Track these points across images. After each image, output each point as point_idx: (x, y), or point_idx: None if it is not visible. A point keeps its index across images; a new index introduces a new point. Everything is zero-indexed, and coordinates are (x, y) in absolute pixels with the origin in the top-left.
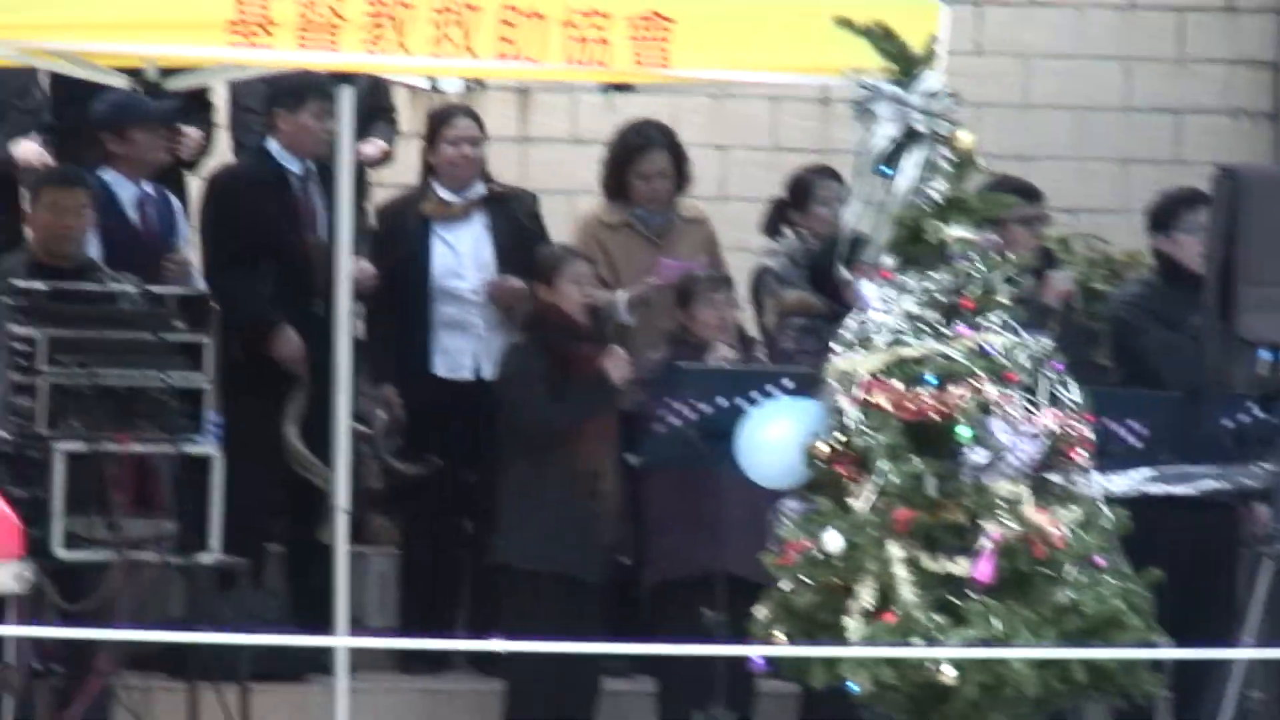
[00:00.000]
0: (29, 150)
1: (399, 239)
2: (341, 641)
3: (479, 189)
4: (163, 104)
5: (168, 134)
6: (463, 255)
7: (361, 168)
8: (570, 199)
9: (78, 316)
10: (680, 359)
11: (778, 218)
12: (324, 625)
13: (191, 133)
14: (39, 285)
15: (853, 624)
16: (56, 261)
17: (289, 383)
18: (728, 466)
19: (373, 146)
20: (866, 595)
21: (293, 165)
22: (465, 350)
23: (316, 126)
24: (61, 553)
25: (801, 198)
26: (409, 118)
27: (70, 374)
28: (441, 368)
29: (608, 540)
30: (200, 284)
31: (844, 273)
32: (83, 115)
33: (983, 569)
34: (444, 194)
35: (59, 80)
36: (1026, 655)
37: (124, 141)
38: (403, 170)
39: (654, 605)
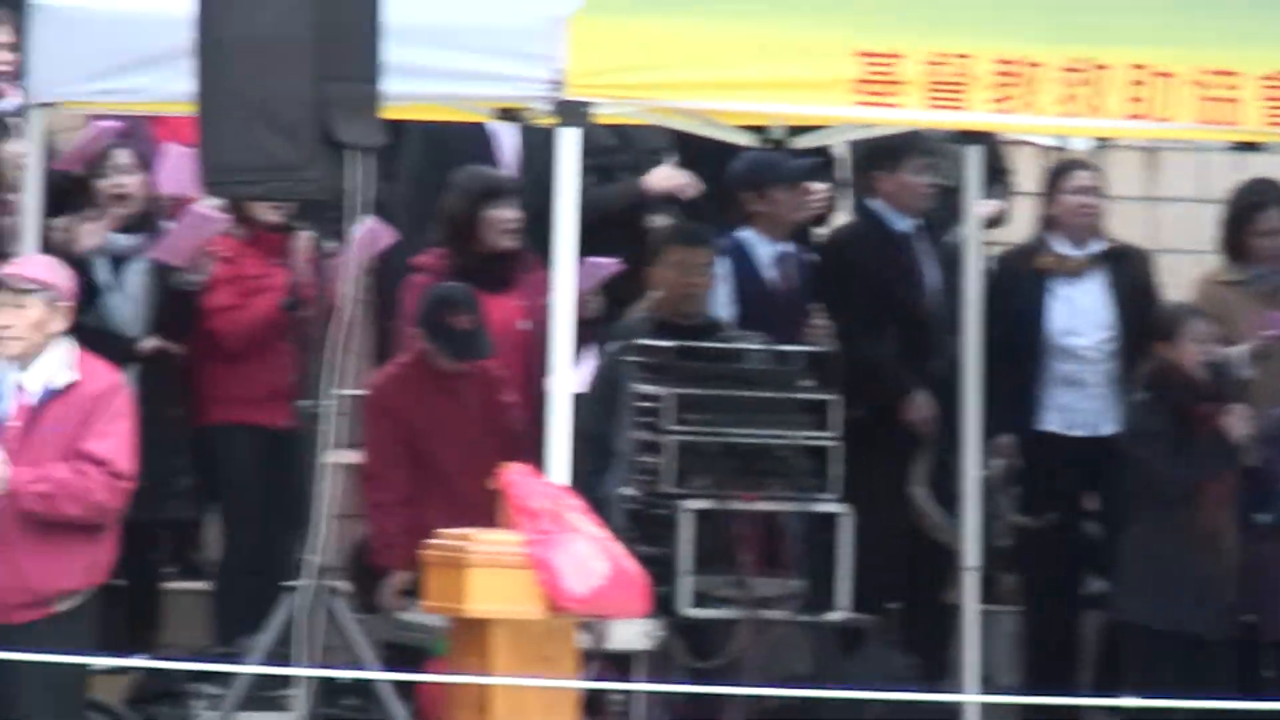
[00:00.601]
0: (663, 175)
1: (1014, 293)
2: (971, 699)
3: (1098, 244)
4: (800, 162)
5: (802, 192)
6: (1081, 311)
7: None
8: (1197, 259)
9: (705, 374)
10: None
11: None
12: (949, 683)
13: (820, 189)
14: (666, 343)
15: None
16: (682, 319)
17: (913, 441)
18: None
19: (987, 205)
20: None
21: (900, 224)
22: (1082, 408)
23: (917, 183)
24: (689, 611)
25: None
26: (1024, 175)
27: (697, 432)
28: (1057, 424)
29: (1228, 598)
30: (826, 344)
31: None
32: (716, 176)
33: None
34: (1062, 248)
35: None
36: None
37: (764, 200)
38: (1014, 229)
39: (1277, 663)
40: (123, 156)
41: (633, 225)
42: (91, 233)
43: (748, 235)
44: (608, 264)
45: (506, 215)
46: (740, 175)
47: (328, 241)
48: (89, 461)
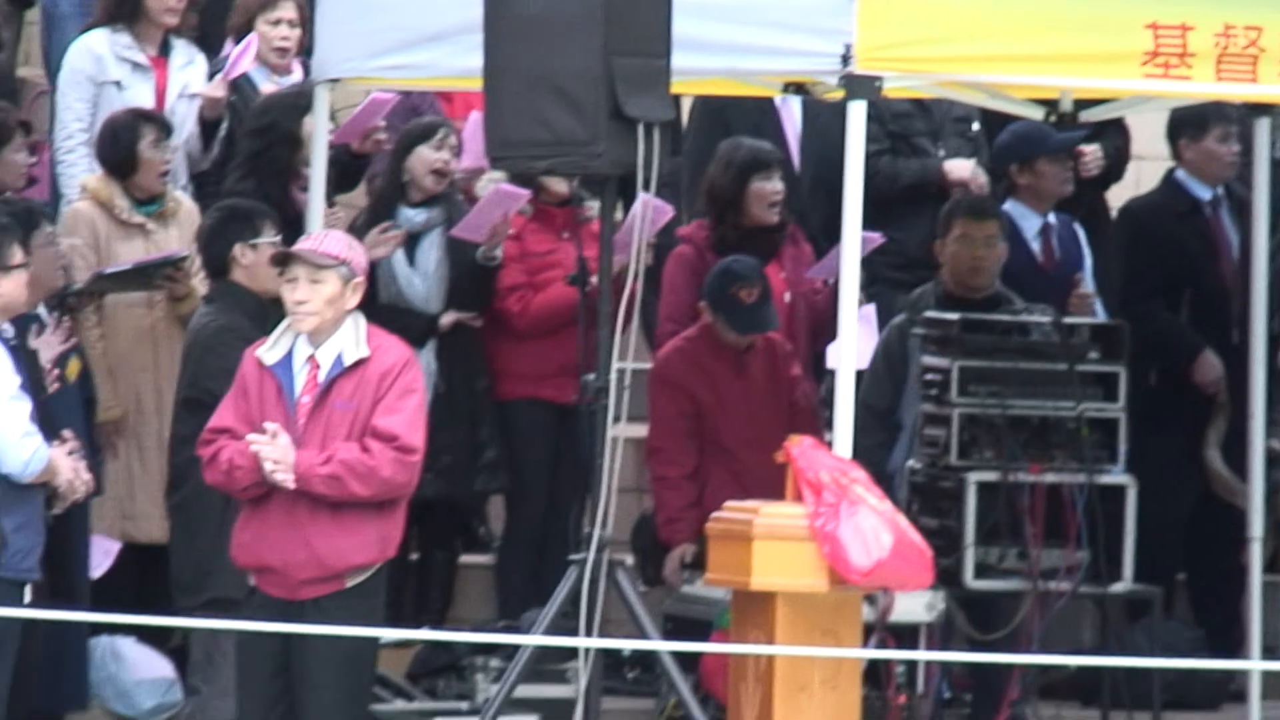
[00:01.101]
0: (962, 167)
1: None
2: (1255, 665)
3: None
4: (1069, 134)
5: (1067, 164)
6: None
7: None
8: None
9: (990, 347)
10: None
11: None
12: (1237, 653)
13: (1090, 150)
14: (951, 316)
15: None
16: (968, 293)
17: (1205, 409)
18: None
19: None
20: None
21: (1203, 193)
22: None
23: (1223, 151)
24: (973, 582)
25: None
26: None
27: (983, 404)
28: None
29: None
30: (1101, 314)
31: None
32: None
33: None
34: None
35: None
36: None
37: (1030, 173)
38: None
39: None
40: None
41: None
42: (385, 243)
43: (1014, 207)
44: (870, 238)
45: (771, 187)
46: (1007, 148)
47: (613, 217)
48: (377, 438)
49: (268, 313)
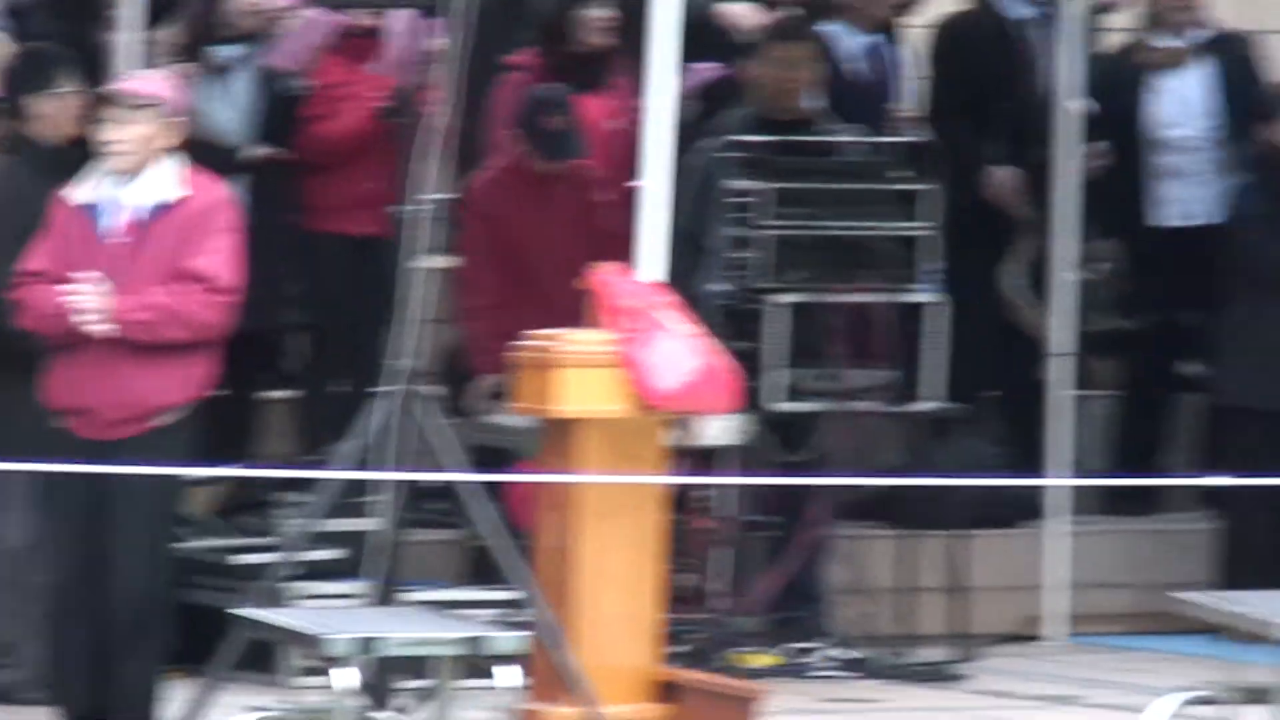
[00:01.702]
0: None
1: (1118, 86)
2: (1055, 482)
3: (1201, 33)
4: None
5: None
6: (1185, 102)
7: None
8: None
9: (801, 169)
10: None
11: None
12: (1041, 471)
13: None
14: (761, 138)
15: None
16: (780, 115)
17: (1015, 230)
18: None
19: None
20: None
21: (1020, 10)
22: (1188, 198)
23: None
24: (779, 404)
25: None
26: None
27: (792, 226)
28: (1163, 217)
29: None
30: (924, 134)
31: None
32: None
33: None
34: (1165, 40)
35: None
36: None
37: None
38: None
39: None
40: None
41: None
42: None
43: (835, 28)
44: (708, 69)
45: (599, 14)
46: None
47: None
48: (191, 279)
49: (68, 161)
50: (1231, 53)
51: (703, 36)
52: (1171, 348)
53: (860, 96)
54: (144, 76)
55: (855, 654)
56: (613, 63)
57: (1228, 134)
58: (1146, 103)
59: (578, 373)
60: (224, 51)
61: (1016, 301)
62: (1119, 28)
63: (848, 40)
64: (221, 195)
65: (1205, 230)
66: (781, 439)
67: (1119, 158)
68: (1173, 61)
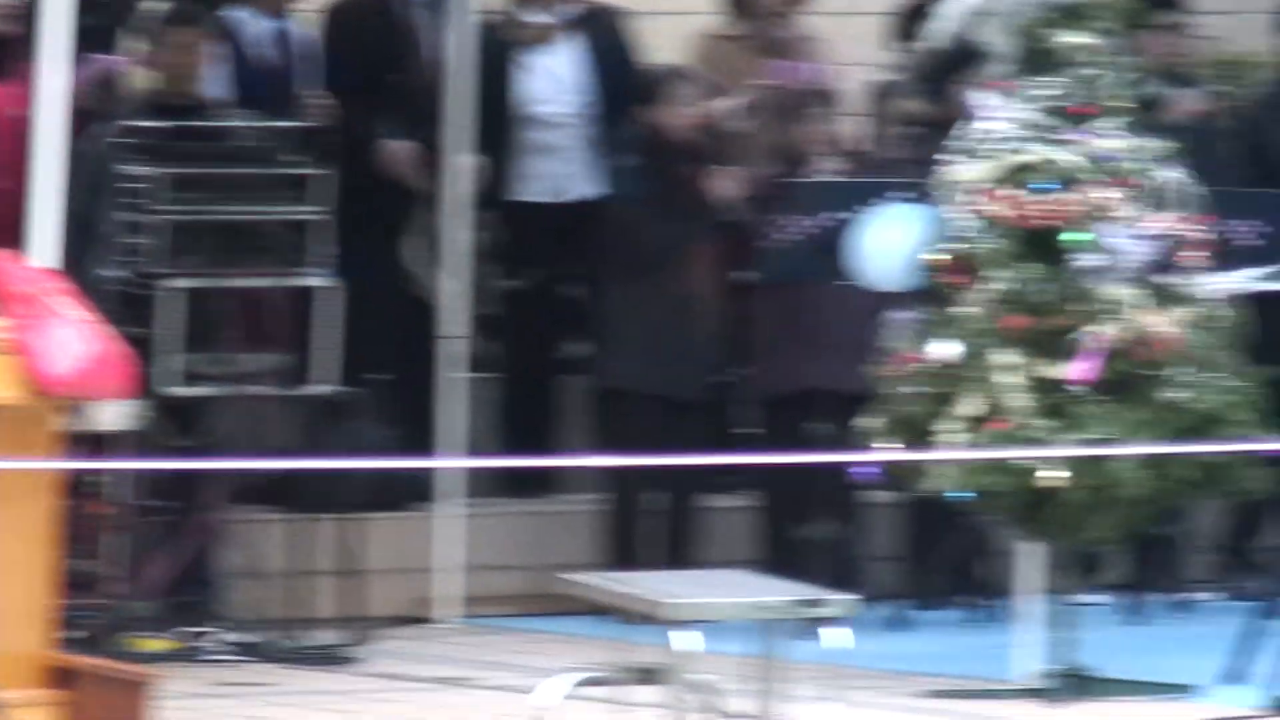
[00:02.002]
0: None
1: (491, 63)
2: (445, 464)
3: (571, 9)
4: None
5: None
6: (553, 78)
7: None
8: (681, 20)
9: (195, 154)
10: (785, 175)
11: (903, 31)
12: (432, 453)
13: None
14: (155, 124)
15: (958, 431)
16: (176, 100)
17: (408, 212)
18: (839, 280)
19: None
20: (975, 402)
21: None
22: (553, 174)
23: None
24: (173, 389)
25: (923, 10)
26: None
27: (185, 211)
28: (534, 193)
29: (709, 360)
30: (319, 118)
31: (957, 82)
32: None
33: (1083, 368)
34: (535, 16)
35: None
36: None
37: None
38: None
39: (760, 422)
40: None
41: None
42: None
43: (241, 14)
44: (108, 60)
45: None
46: None
47: None
48: None
49: None
50: (602, 30)
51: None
52: (554, 325)
53: (268, 81)
54: None
55: (250, 638)
56: (16, 50)
57: (599, 111)
58: (517, 79)
59: None
60: None
61: (415, 277)
62: (490, 8)
63: (254, 25)
64: None
65: (578, 207)
66: (175, 424)
67: (491, 131)
68: (542, 38)
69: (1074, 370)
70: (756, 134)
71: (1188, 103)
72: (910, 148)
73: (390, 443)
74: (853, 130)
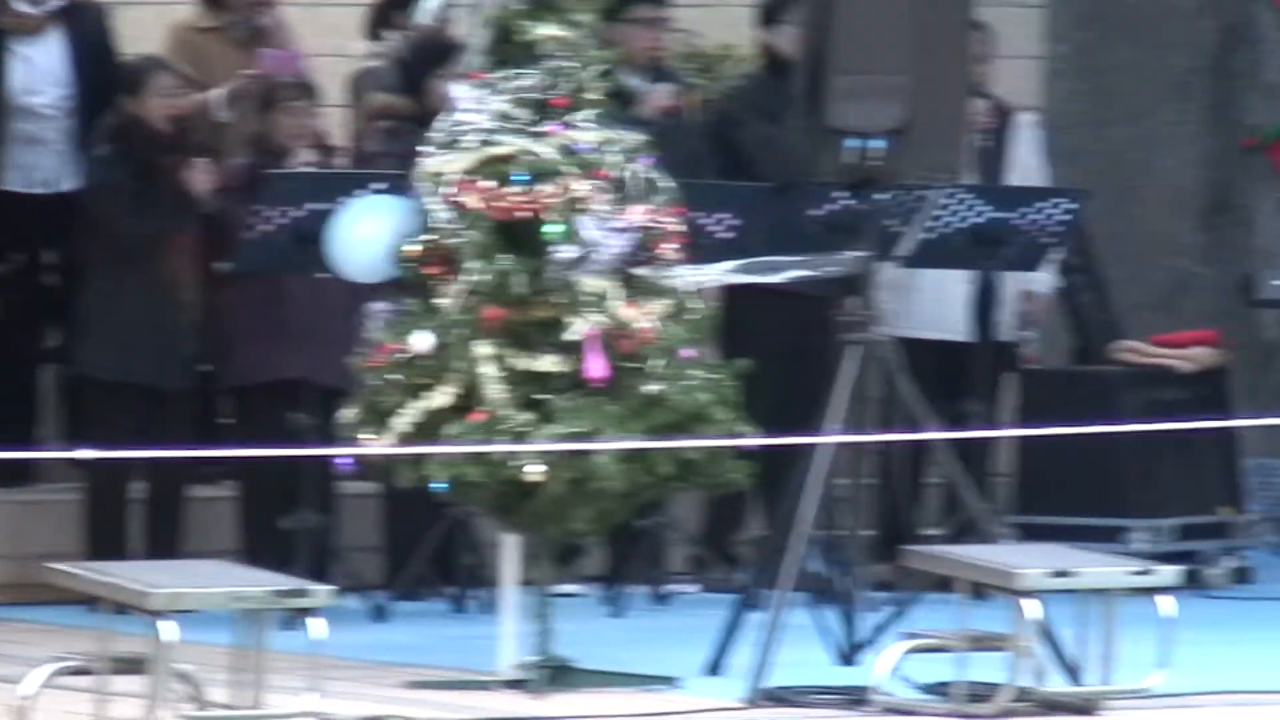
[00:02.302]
0: None
1: None
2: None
3: (55, 2)
4: None
5: None
6: (40, 70)
7: None
8: (161, 10)
9: None
10: (265, 166)
11: (379, 21)
12: None
13: None
14: None
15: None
16: None
17: None
18: (318, 271)
19: None
20: (449, 393)
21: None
22: (42, 165)
23: None
24: None
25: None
26: None
27: None
28: (18, 182)
29: (189, 350)
30: None
31: (436, 74)
32: None
33: (595, 365)
34: (20, 6)
35: None
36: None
37: None
38: None
39: (238, 412)
40: None
41: None
42: None
43: None
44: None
45: None
46: None
47: None
48: None
49: None
50: (85, 22)
51: None
52: (34, 315)
53: None
54: None
55: None
56: None
57: (81, 103)
58: (10, 68)
59: None
60: None
61: None
62: None
63: None
64: None
65: (65, 198)
66: None
67: None
68: (29, 28)
69: (589, 370)
70: (236, 125)
71: (661, 96)
72: (389, 139)
73: None
74: (332, 122)
